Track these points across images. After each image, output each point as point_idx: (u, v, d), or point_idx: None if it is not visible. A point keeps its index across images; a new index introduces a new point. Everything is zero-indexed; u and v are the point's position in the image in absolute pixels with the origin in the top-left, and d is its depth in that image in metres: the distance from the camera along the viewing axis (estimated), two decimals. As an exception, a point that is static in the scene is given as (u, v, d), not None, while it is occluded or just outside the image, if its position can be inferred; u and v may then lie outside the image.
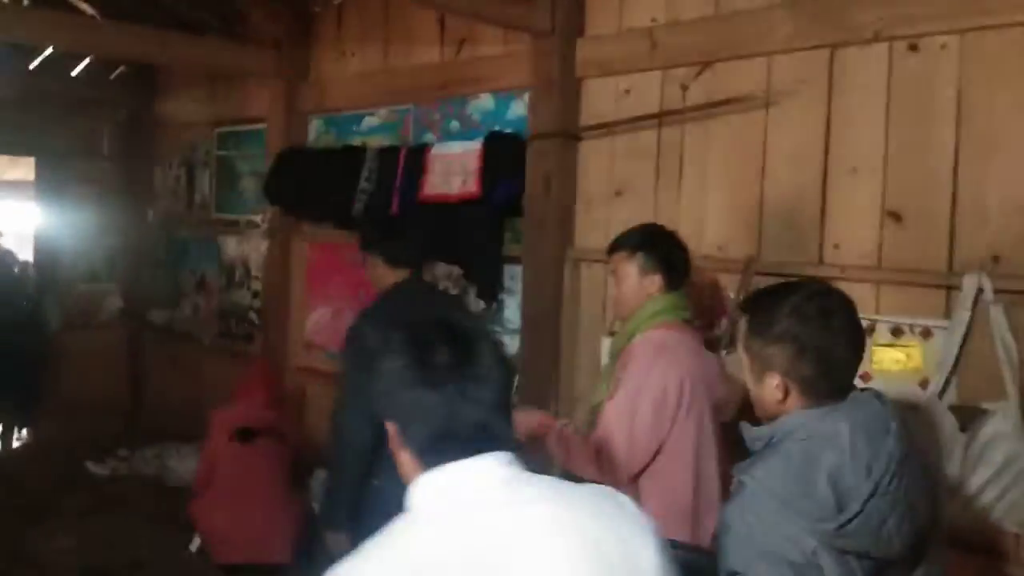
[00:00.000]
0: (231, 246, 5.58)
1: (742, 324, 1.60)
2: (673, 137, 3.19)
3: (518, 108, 3.76)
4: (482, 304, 3.84)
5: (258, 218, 5.26)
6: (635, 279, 2.28)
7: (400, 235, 2.92)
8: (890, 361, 2.58)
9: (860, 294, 2.35)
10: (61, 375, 5.98)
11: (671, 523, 1.97)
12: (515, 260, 3.72)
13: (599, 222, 3.42)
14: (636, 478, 2.17)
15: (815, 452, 1.40)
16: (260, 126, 5.30)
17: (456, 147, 3.88)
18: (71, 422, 5.66)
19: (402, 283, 2.81)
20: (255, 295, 5.37)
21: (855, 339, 1.51)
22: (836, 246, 2.75)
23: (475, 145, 3.76)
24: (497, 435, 1.15)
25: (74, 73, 6.04)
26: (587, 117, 3.46)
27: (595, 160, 3.46)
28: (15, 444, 6.03)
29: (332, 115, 4.84)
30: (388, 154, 4.24)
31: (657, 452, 2.17)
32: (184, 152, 6.06)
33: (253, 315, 5.33)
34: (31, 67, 5.81)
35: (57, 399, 5.98)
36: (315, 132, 4.98)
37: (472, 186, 3.72)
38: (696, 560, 1.58)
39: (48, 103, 5.89)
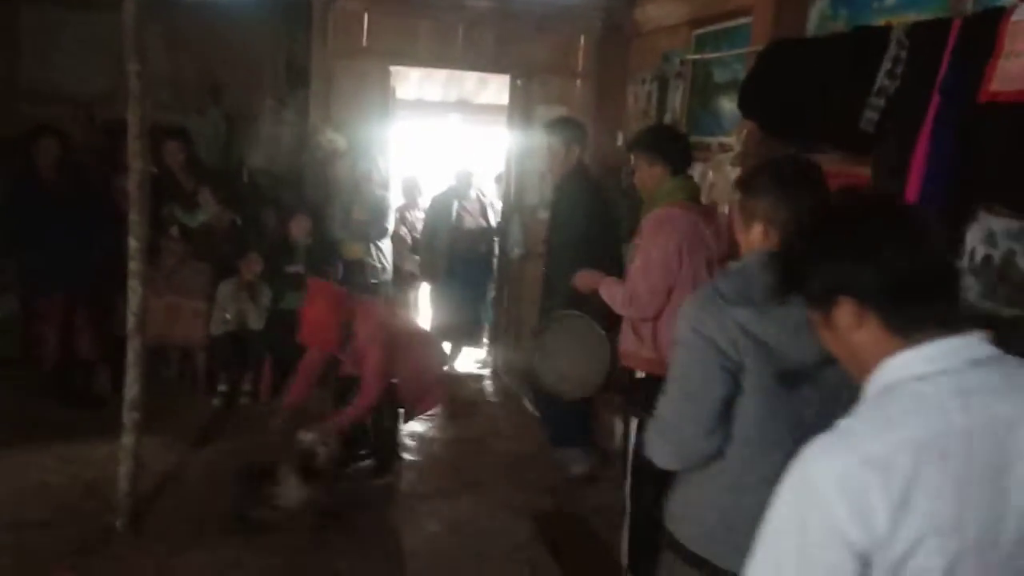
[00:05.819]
0: (696, 175, 4.56)
1: None
2: None
3: None
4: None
5: (732, 139, 4.14)
6: (645, 169, 3.12)
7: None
8: None
9: None
10: (519, 302, 5.77)
11: None
12: None
13: None
14: (656, 318, 3.02)
15: None
16: (744, 20, 4.13)
17: (1065, 3, 2.22)
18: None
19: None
20: (719, 236, 4.30)
21: None
22: None
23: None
24: (955, 285, 1.16)
25: (554, -20, 5.56)
26: None
27: None
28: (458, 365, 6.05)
29: (844, -10, 3.43)
30: (926, 33, 2.72)
31: (669, 293, 2.98)
32: (658, 65, 5.18)
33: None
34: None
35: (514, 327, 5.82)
36: (817, 18, 3.62)
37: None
38: None
39: (526, 16, 5.50)
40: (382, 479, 4.03)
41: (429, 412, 4.25)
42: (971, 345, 1.10)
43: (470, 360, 6.12)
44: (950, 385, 1.06)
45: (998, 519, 1.03)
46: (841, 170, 3.23)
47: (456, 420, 4.93)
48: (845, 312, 1.14)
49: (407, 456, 4.30)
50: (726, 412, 1.66)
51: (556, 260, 4.13)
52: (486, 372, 5.96)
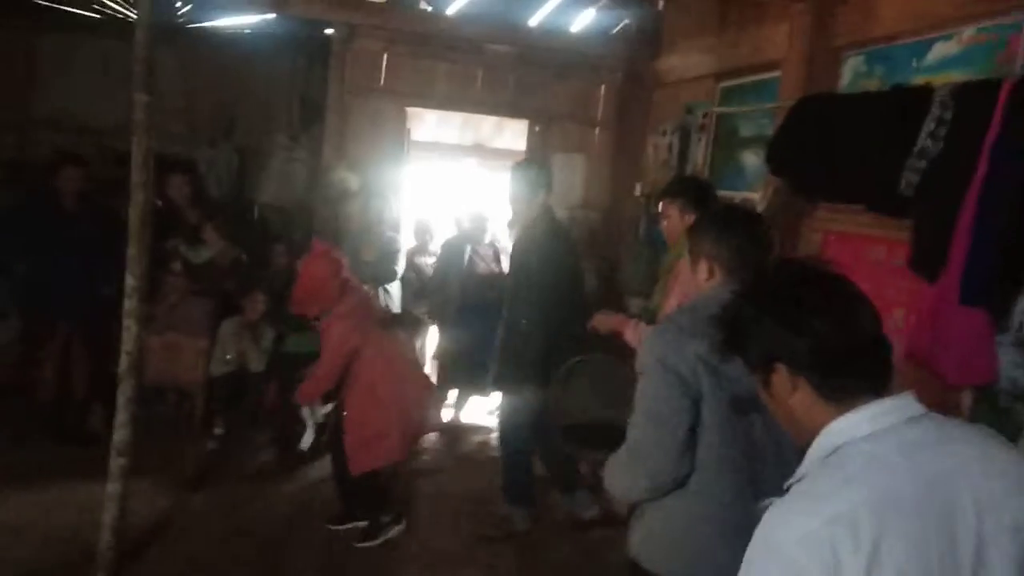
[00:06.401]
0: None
1: None
2: None
3: None
4: None
5: (756, 195, 4.02)
6: (677, 217, 3.05)
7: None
8: None
9: None
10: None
11: None
12: None
13: None
14: None
15: None
16: (772, 75, 4.03)
17: None
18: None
19: None
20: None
21: None
22: None
23: None
24: (885, 356, 1.17)
25: (574, 29, 5.50)
26: None
27: None
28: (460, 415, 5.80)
29: (879, 48, 3.33)
30: (974, 94, 2.61)
31: None
32: (680, 116, 5.09)
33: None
34: (532, 23, 5.41)
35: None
36: (850, 75, 3.52)
37: None
38: None
39: (547, 63, 5.43)
40: (367, 543, 3.72)
41: (371, 467, 3.68)
42: (907, 404, 1.15)
43: (479, 410, 5.90)
44: (895, 443, 1.10)
45: (955, 570, 1.06)
46: (874, 234, 3.10)
47: (456, 476, 4.71)
48: (780, 378, 1.21)
49: (400, 515, 4.01)
50: (692, 438, 1.77)
51: (519, 306, 3.89)
52: (493, 424, 5.75)
